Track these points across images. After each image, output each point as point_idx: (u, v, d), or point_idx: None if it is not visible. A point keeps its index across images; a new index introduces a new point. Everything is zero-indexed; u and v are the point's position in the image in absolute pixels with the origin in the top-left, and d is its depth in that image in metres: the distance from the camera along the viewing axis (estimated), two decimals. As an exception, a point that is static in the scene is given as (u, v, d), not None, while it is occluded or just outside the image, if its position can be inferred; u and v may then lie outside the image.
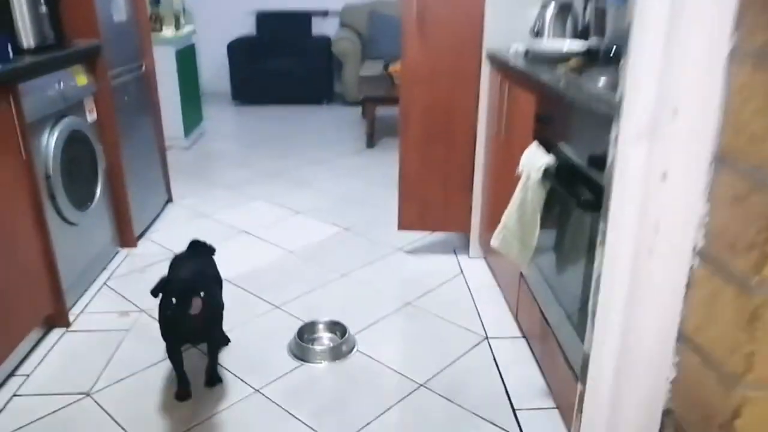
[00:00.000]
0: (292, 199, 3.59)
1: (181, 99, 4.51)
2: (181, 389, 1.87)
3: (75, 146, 2.38)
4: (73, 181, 2.36)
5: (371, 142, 4.72)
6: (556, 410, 1.78)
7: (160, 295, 1.72)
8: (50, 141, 2.19)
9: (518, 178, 1.86)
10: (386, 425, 1.75)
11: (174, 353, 1.84)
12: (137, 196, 2.95)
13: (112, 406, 1.83)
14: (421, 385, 1.92)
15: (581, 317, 1.55)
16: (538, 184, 1.73)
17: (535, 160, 1.76)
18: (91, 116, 2.57)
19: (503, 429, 1.73)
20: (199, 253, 2.05)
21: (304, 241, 2.99)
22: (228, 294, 2.47)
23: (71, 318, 2.29)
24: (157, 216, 3.31)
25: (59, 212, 2.25)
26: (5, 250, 1.90)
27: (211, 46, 6.45)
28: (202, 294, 1.65)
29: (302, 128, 5.40)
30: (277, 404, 1.84)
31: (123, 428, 1.74)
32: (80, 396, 1.87)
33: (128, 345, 2.14)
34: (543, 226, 1.77)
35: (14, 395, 1.88)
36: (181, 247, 2.86)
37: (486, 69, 2.49)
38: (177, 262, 1.99)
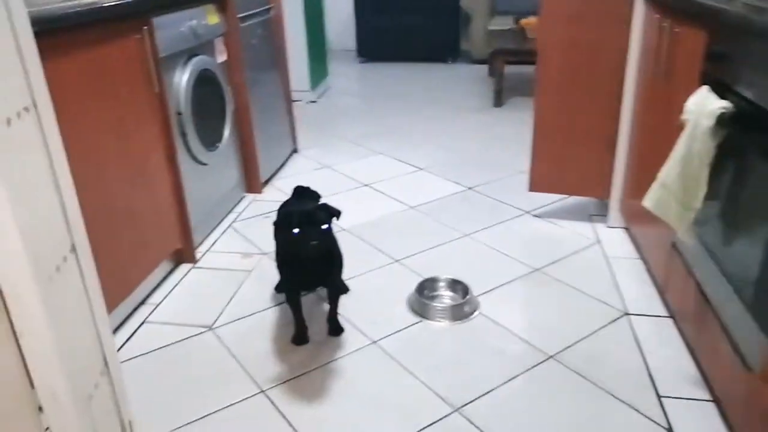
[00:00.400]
0: (415, 155, 3.47)
1: (308, 51, 4.50)
2: (298, 334, 1.83)
3: (205, 86, 2.40)
4: (202, 121, 2.38)
5: (498, 100, 4.47)
6: (712, 403, 1.54)
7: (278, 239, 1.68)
8: (182, 78, 2.21)
9: (680, 130, 1.60)
10: (509, 394, 1.60)
11: (293, 296, 1.80)
12: (264, 143, 2.96)
13: (232, 342, 1.83)
14: (551, 356, 1.75)
15: (759, 293, 1.30)
16: (708, 133, 1.46)
17: (705, 105, 1.49)
18: (221, 57, 2.57)
19: (645, 416, 1.52)
20: (307, 197, 1.99)
21: (425, 198, 2.87)
22: (348, 244, 2.42)
23: (198, 255, 2.34)
24: (283, 165, 3.32)
25: (189, 150, 2.28)
26: (140, 181, 1.94)
27: (338, 1, 6.42)
28: (323, 227, 1.58)
29: (427, 85, 5.24)
30: (393, 358, 1.75)
31: (241, 365, 1.73)
32: (203, 329, 1.89)
33: (250, 286, 2.14)
34: (709, 184, 1.51)
35: (144, 322, 1.94)
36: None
37: (640, 5, 2.19)
38: (289, 202, 1.96)
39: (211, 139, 2.49)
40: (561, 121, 2.43)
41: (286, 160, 3.39)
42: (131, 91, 1.89)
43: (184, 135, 2.23)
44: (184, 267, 2.27)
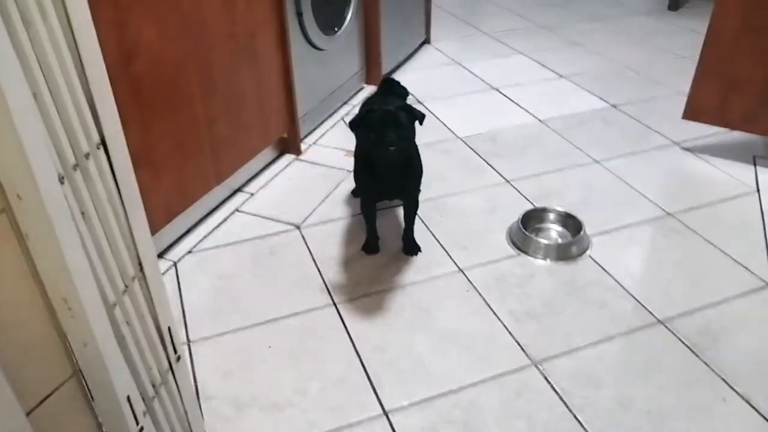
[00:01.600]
0: (559, 60, 3.07)
1: (463, -71, 4.06)
2: (369, 242, 1.74)
3: (330, -38, 2.20)
4: (322, 1, 2.21)
5: (676, 2, 3.80)
6: None
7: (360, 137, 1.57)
8: (304, -48, 2.03)
9: None
10: (600, 357, 1.40)
11: (367, 204, 1.70)
12: (391, 30, 2.74)
13: (317, 245, 1.77)
14: (661, 321, 1.50)
15: None
16: None
17: None
18: (354, -70, 2.34)
19: (765, 418, 1.26)
20: (395, 94, 1.83)
21: (560, 111, 2.54)
22: (458, 155, 2.22)
23: (303, 147, 2.27)
24: (410, 56, 3.10)
25: (304, 31, 2.14)
26: (245, 60, 1.85)
27: None
28: (404, 131, 1.45)
29: (593, -22, 4.59)
30: (478, 291, 1.59)
31: (320, 271, 1.67)
32: (290, 228, 1.85)
33: (347, 186, 2.04)
34: None
35: (237, 210, 1.93)
36: (430, 93, 2.65)
37: None
38: (373, 98, 1.83)
39: (330, 23, 2.32)
40: (745, 33, 1.96)
41: (415, 51, 3.16)
42: (242, -37, 1.75)
43: (299, 15, 2.09)
44: (287, 157, 2.22)
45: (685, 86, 2.29)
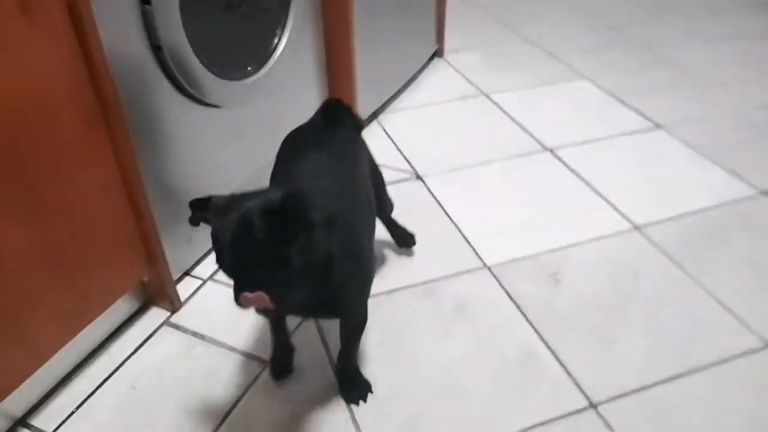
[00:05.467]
0: (646, 91, 1.93)
1: None
2: (276, 359, 1.04)
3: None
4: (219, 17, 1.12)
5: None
6: None
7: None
8: None
9: None
10: None
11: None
12: (375, 47, 1.62)
13: None
14: None
15: None
16: None
17: None
18: None
19: None
20: (339, 125, 1.04)
21: (667, 205, 1.42)
22: (486, 314, 1.10)
23: (187, 290, 1.19)
24: (410, 81, 1.97)
25: (175, 80, 1.05)
26: (42, 168, 0.78)
27: None
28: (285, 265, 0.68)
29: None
30: None
31: None
32: None
33: (267, 388, 0.97)
34: None
35: (-9, 494, 0.87)
36: (437, 158, 1.59)
37: None
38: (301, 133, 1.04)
39: (241, 57, 1.23)
40: None
41: (419, 71, 2.03)
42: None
43: (157, 50, 1.00)
44: (153, 317, 1.14)
45: None
